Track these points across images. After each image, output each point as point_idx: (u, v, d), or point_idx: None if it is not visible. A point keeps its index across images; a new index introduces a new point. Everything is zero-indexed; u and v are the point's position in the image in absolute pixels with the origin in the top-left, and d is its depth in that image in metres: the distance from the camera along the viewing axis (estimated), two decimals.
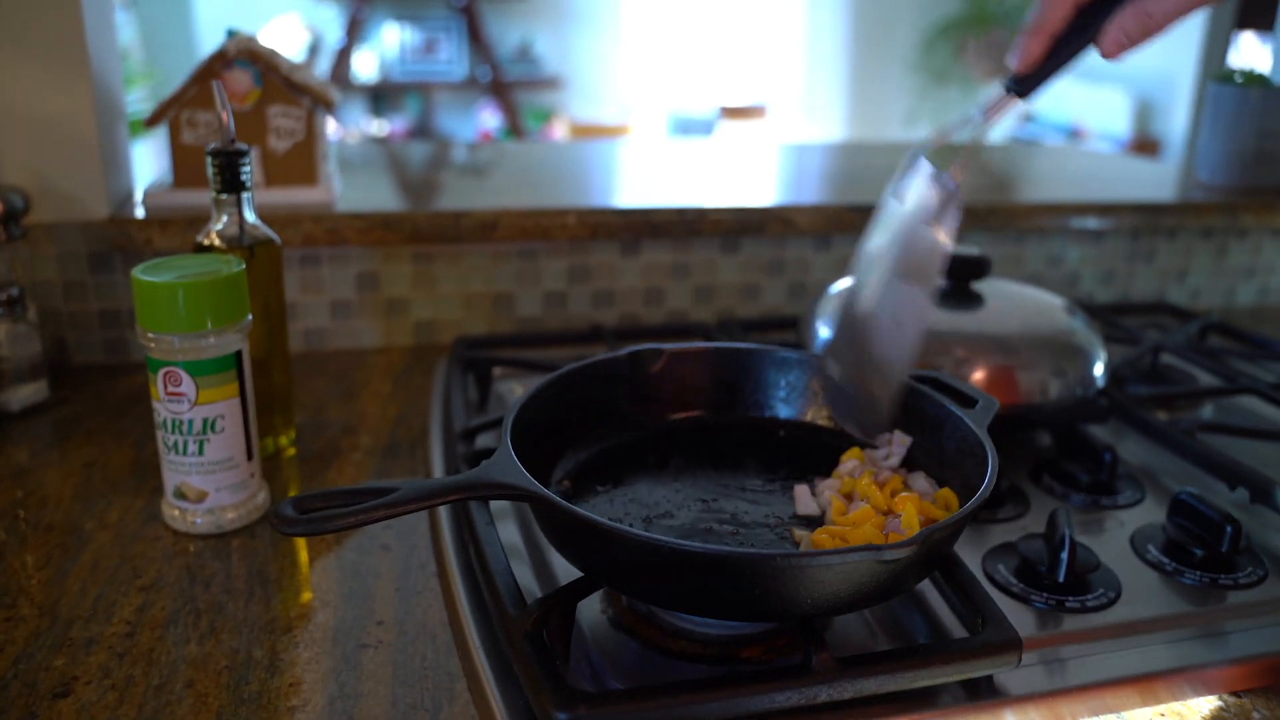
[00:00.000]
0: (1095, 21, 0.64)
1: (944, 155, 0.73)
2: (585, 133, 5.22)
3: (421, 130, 5.40)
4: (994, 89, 0.70)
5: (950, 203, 0.70)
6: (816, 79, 5.68)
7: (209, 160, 0.79)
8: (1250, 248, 1.44)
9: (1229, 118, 1.44)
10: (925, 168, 0.72)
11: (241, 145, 0.80)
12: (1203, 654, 0.64)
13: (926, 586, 0.67)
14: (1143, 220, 1.36)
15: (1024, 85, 0.68)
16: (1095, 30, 0.64)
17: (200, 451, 0.73)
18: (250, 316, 0.74)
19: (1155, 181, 1.53)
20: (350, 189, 1.23)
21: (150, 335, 0.71)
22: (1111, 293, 1.41)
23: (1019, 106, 0.72)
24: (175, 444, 0.73)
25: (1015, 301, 0.98)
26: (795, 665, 0.55)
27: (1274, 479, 0.81)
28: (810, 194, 1.37)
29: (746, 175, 1.50)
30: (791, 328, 1.13)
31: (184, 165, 1.08)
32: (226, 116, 0.79)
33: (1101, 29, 0.64)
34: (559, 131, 5.29)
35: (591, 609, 0.65)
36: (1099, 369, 0.93)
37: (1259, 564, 0.73)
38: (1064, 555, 0.68)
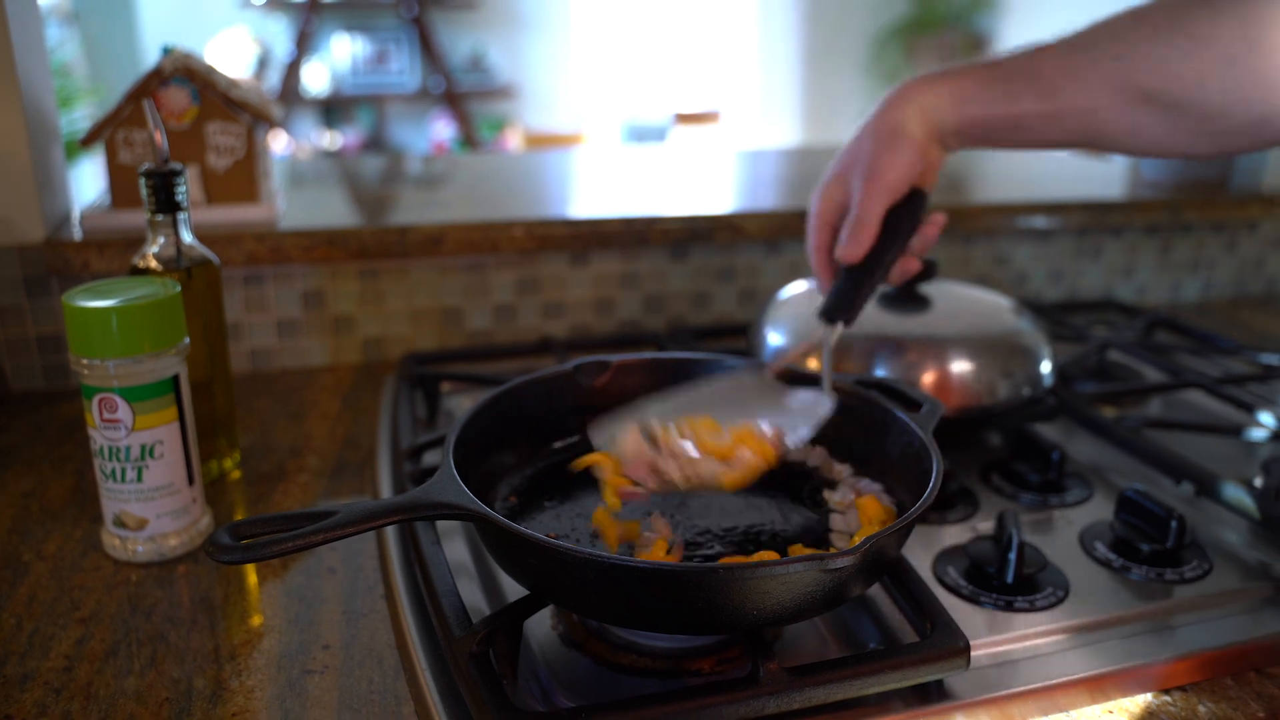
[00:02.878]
0: (889, 244, 0.78)
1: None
2: (539, 142, 5.21)
3: (374, 142, 5.36)
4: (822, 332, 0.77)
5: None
6: (770, 83, 5.70)
7: (142, 181, 0.78)
8: (1194, 243, 1.46)
9: None
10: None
11: (175, 165, 0.78)
12: (1150, 650, 0.64)
13: (878, 592, 0.67)
14: (1089, 218, 1.37)
15: (838, 310, 0.77)
16: (893, 254, 0.78)
17: (139, 478, 0.71)
18: (187, 339, 0.73)
19: (1103, 179, 1.55)
20: (299, 205, 1.22)
21: (84, 361, 0.69)
22: (1060, 290, 1.42)
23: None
24: (113, 471, 0.71)
25: (962, 303, 0.98)
26: (743, 677, 0.55)
27: (1218, 473, 0.82)
28: (761, 199, 1.37)
29: (698, 182, 1.50)
30: (743, 334, 1.12)
31: (121, 185, 1.06)
32: (159, 136, 0.77)
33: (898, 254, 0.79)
34: (513, 141, 5.28)
35: (542, 625, 0.65)
36: (1046, 368, 0.94)
37: (1204, 558, 0.74)
38: (1011, 556, 0.68)
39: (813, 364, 0.86)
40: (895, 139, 0.77)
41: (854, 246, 0.77)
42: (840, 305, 0.77)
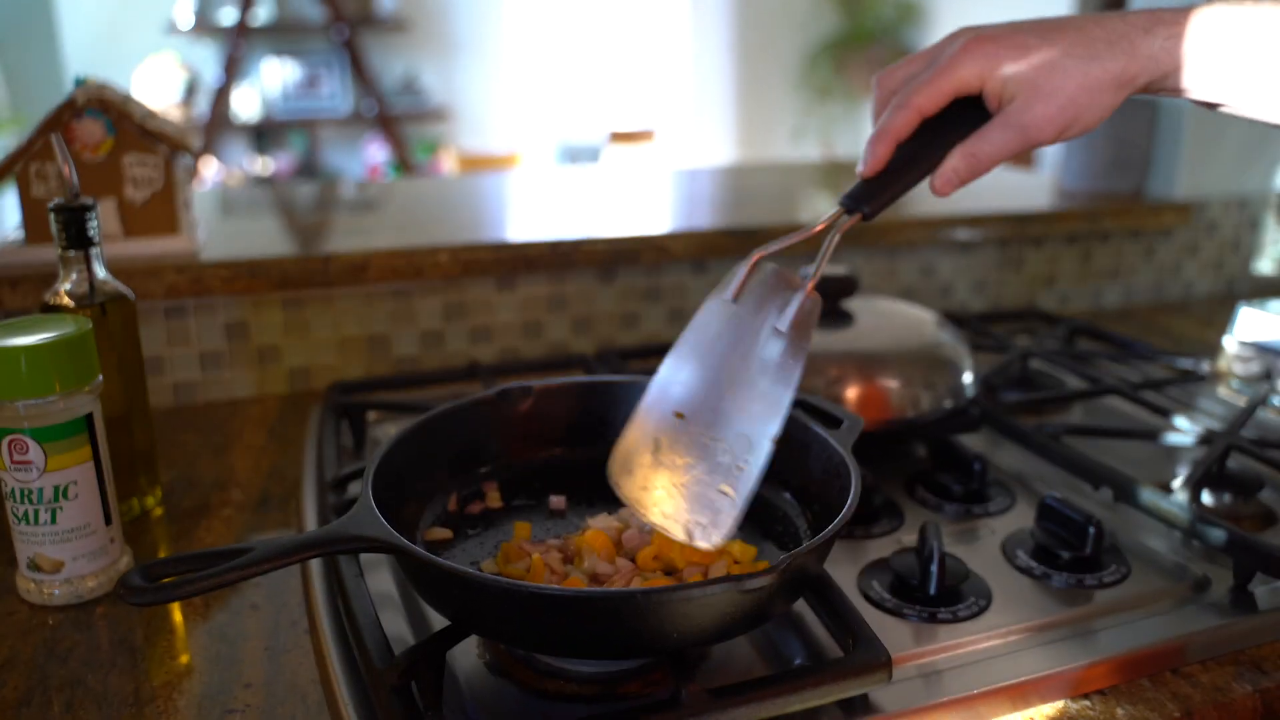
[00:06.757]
0: (932, 149, 0.65)
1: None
2: (474, 164, 5.19)
3: (307, 167, 5.31)
4: (831, 212, 0.67)
5: (812, 315, 0.67)
6: (703, 101, 5.74)
7: (52, 216, 0.76)
8: (1112, 251, 1.49)
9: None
10: (781, 274, 0.69)
11: (86, 200, 0.77)
12: (1070, 656, 0.65)
13: (804, 609, 0.68)
14: (1010, 229, 1.40)
15: (865, 199, 0.66)
16: (931, 160, 0.66)
17: (53, 520, 0.70)
18: (100, 377, 0.72)
19: (1028, 191, 1.58)
20: (225, 235, 1.21)
21: None
22: (984, 301, 1.44)
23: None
24: (25, 514, 0.70)
25: (885, 317, 1.00)
26: (665, 699, 0.55)
27: (1134, 477, 0.84)
28: (690, 219, 1.38)
29: (628, 203, 1.51)
30: None
31: (35, 220, 1.04)
32: (68, 170, 0.76)
33: (937, 162, 0.66)
34: (447, 163, 5.25)
35: (468, 655, 0.64)
36: (968, 379, 0.95)
37: (1123, 562, 0.76)
38: (933, 568, 0.69)
39: None
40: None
41: (865, 160, 0.66)
42: (862, 195, 0.66)
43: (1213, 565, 0.76)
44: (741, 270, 0.69)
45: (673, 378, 0.69)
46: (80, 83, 1.04)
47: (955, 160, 0.65)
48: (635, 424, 0.69)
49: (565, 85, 5.60)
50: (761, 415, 0.65)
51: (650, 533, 0.67)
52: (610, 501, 0.75)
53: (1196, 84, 0.64)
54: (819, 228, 0.67)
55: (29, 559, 0.71)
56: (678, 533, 0.64)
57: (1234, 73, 0.63)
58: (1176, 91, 0.65)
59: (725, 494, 0.64)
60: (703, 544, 0.63)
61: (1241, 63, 0.62)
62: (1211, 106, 0.66)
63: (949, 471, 0.89)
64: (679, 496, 0.66)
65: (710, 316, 0.70)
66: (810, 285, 0.67)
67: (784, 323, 0.67)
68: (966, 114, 0.65)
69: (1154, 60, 0.62)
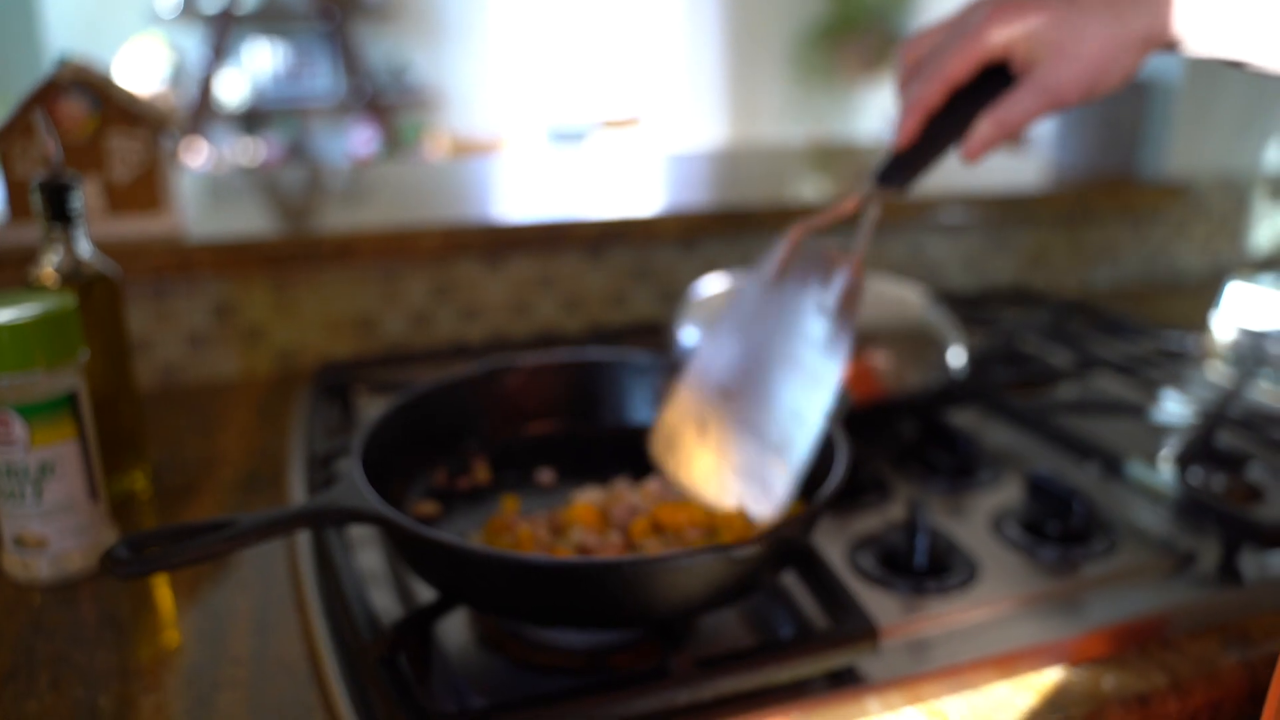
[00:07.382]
0: (960, 116, 0.67)
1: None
2: (464, 148, 5.17)
3: (296, 152, 5.28)
4: (865, 187, 0.70)
5: (858, 291, 0.70)
6: (692, 86, 5.73)
7: (36, 193, 0.76)
8: (1102, 230, 1.49)
9: (1078, 108, 1.49)
10: (822, 250, 0.72)
11: (69, 176, 0.77)
12: (1058, 626, 0.65)
13: (793, 582, 0.68)
14: (1001, 209, 1.40)
15: (898, 172, 0.69)
16: (959, 127, 0.67)
17: (38, 496, 0.70)
18: (85, 353, 0.72)
19: (1018, 170, 1.58)
20: (213, 216, 1.20)
21: None
22: (973, 280, 1.44)
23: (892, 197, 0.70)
24: (11, 490, 0.69)
25: (874, 295, 0.99)
26: (653, 670, 0.55)
27: (1121, 452, 0.84)
28: (679, 199, 1.38)
29: (617, 184, 1.51)
30: (661, 333, 1.13)
31: (20, 198, 1.03)
32: (52, 147, 0.76)
33: (965, 129, 0.67)
34: (437, 148, 5.23)
35: (459, 628, 0.64)
36: (957, 356, 0.95)
37: (1110, 534, 0.76)
38: (922, 541, 0.70)
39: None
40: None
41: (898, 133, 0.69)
42: (895, 168, 0.69)
43: (1200, 539, 0.76)
44: (780, 248, 0.72)
45: (714, 356, 0.73)
46: (64, 61, 1.03)
47: (984, 127, 0.67)
48: (677, 403, 0.74)
49: (555, 71, 5.59)
50: (811, 392, 0.68)
51: (641, 506, 0.67)
52: (599, 476, 0.76)
53: (1218, 39, 0.62)
54: (855, 203, 0.70)
55: (15, 536, 0.71)
56: (728, 503, 0.68)
57: (1256, 24, 0.60)
58: (1201, 49, 0.64)
59: (776, 469, 0.67)
60: (756, 513, 0.67)
61: (1262, 13, 0.60)
62: (1237, 64, 0.65)
63: (938, 447, 0.89)
64: (729, 472, 0.69)
65: (750, 295, 0.73)
66: (857, 261, 0.70)
67: (830, 299, 0.69)
68: (991, 79, 0.67)
69: (1177, 16, 0.62)
